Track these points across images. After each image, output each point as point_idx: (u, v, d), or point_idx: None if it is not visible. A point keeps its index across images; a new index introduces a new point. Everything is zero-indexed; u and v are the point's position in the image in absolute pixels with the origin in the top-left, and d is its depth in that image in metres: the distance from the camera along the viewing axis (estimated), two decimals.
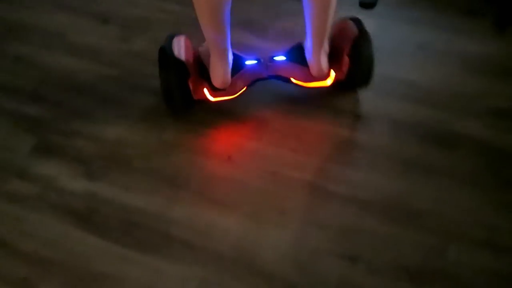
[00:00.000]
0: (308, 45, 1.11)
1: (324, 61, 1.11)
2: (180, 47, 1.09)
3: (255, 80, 1.14)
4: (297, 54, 1.14)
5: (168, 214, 0.98)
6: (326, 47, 1.11)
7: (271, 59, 1.15)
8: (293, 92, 1.21)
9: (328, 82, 1.16)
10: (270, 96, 1.21)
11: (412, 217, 0.97)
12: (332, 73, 1.15)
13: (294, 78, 1.15)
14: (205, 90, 1.12)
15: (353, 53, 1.10)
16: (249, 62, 1.14)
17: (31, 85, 1.26)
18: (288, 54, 1.15)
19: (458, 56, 1.28)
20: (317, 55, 1.09)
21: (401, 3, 1.47)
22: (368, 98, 1.19)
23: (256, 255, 0.92)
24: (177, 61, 1.05)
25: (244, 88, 1.14)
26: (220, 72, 1.08)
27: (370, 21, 1.41)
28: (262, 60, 1.15)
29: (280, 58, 1.15)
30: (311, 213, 0.98)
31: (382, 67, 1.27)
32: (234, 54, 1.13)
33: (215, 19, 0.99)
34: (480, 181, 1.02)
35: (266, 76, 1.14)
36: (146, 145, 1.11)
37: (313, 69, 1.12)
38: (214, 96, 1.13)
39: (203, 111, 1.17)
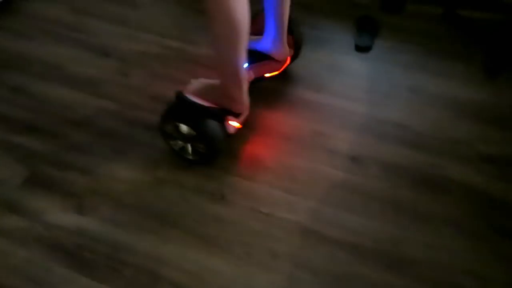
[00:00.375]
0: (271, 36, 1.20)
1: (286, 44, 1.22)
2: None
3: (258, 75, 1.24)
4: (253, 56, 1.19)
5: (159, 252, 0.96)
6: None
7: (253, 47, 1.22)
8: (289, 130, 1.23)
9: (288, 61, 1.28)
10: (265, 133, 1.22)
11: (405, 264, 0.96)
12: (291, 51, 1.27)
13: (268, 73, 1.26)
14: (232, 123, 1.12)
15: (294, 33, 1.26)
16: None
17: (28, 116, 1.26)
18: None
19: (450, 101, 1.31)
20: (283, 41, 1.21)
21: (395, 48, 1.51)
22: (363, 140, 1.21)
23: None
24: (213, 110, 1.05)
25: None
26: (245, 97, 1.07)
27: (366, 64, 1.45)
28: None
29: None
30: (304, 257, 0.97)
31: (376, 110, 1.29)
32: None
33: (244, 45, 0.97)
34: (472, 229, 1.02)
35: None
36: (139, 181, 1.10)
37: (282, 54, 1.23)
38: (239, 122, 1.14)
39: None
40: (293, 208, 1.05)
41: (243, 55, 0.99)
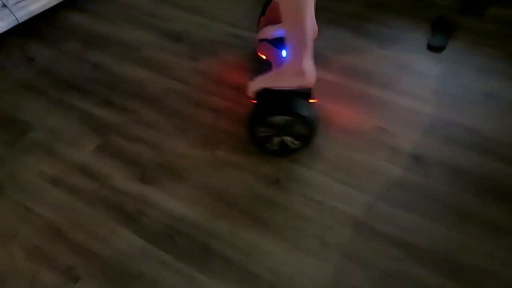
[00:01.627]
0: None
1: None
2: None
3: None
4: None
5: (211, 227, 1.00)
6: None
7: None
8: (350, 124, 1.21)
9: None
10: (325, 125, 1.21)
11: (462, 271, 0.91)
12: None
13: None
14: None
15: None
16: (283, 52, 1.15)
17: (104, 90, 1.36)
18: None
19: None
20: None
21: (470, 49, 1.44)
22: (428, 141, 1.16)
23: (292, 283, 0.90)
24: (296, 90, 1.04)
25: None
26: (313, 66, 1.01)
27: (438, 65, 1.39)
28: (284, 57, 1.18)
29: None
30: (355, 249, 0.95)
31: (444, 112, 1.24)
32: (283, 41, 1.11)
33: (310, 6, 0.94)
34: None
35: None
36: (199, 158, 1.15)
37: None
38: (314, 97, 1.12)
39: None
40: (347, 199, 1.04)
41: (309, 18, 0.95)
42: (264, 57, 1.22)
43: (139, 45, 1.54)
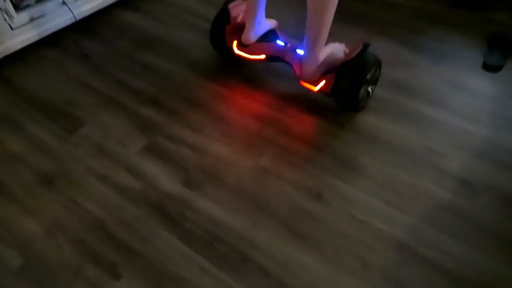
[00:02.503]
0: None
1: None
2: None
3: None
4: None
5: (251, 237, 1.00)
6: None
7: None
8: (397, 142, 1.18)
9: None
10: (372, 140, 1.19)
11: None
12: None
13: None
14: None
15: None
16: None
17: (153, 91, 1.39)
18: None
19: None
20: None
21: None
22: (479, 164, 1.12)
23: None
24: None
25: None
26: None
27: (493, 86, 1.34)
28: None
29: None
30: (396, 272, 0.93)
31: (498, 135, 1.19)
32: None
33: None
34: None
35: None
36: (242, 166, 1.15)
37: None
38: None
39: (304, 144, 1.19)
40: (390, 220, 1.01)
41: None
42: (262, 56, 1.34)
43: (188, 47, 1.56)
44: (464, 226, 1.00)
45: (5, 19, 1.45)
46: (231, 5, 1.38)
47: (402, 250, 0.97)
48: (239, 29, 1.36)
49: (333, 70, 1.21)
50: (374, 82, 1.29)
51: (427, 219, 1.02)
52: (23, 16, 1.50)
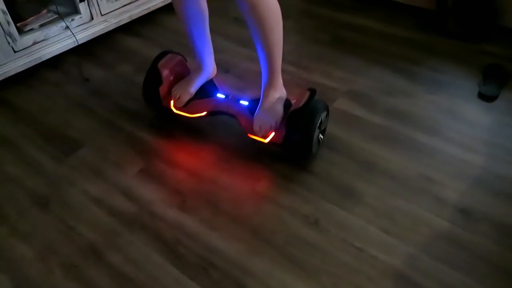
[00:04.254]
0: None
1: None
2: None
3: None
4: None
5: (246, 263, 0.98)
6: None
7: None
8: (394, 170, 1.18)
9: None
10: (368, 168, 1.19)
11: None
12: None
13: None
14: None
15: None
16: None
17: (151, 114, 1.40)
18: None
19: None
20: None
21: None
22: (476, 193, 1.12)
23: None
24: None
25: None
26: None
27: (489, 115, 1.35)
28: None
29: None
30: None
31: (495, 165, 1.19)
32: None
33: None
34: None
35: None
36: (238, 191, 1.15)
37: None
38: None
39: (304, 171, 1.19)
40: (388, 249, 1.00)
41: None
42: (202, 114, 1.27)
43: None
44: (462, 255, 0.99)
45: (9, 43, 1.48)
46: (160, 64, 1.30)
47: (399, 279, 0.95)
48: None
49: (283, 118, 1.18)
50: (324, 128, 1.24)
51: (424, 248, 1.01)
52: (27, 39, 1.53)
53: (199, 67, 1.32)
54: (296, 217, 1.08)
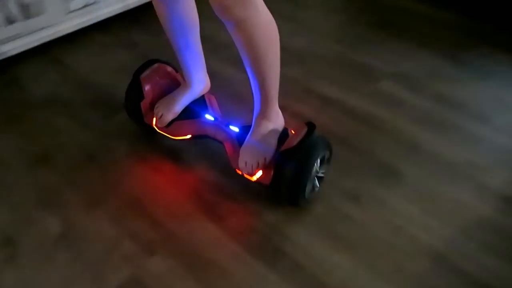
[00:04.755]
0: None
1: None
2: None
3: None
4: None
5: (287, 230, 1.00)
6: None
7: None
8: (439, 153, 1.17)
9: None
10: (415, 151, 1.18)
11: None
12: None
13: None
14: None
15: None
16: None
17: None
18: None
19: None
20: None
21: None
22: None
23: None
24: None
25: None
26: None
27: None
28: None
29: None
30: (431, 282, 0.91)
31: None
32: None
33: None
34: None
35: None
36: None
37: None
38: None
39: (346, 146, 1.19)
40: (429, 229, 1.00)
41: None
42: (185, 137, 1.12)
43: (230, 43, 1.58)
44: (503, 242, 0.98)
45: (62, 3, 1.51)
46: (143, 76, 1.14)
47: (438, 259, 0.95)
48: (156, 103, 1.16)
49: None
50: (323, 172, 1.04)
51: (465, 231, 1.00)
52: (79, 1, 1.56)
53: (188, 83, 1.14)
54: (336, 191, 1.08)
